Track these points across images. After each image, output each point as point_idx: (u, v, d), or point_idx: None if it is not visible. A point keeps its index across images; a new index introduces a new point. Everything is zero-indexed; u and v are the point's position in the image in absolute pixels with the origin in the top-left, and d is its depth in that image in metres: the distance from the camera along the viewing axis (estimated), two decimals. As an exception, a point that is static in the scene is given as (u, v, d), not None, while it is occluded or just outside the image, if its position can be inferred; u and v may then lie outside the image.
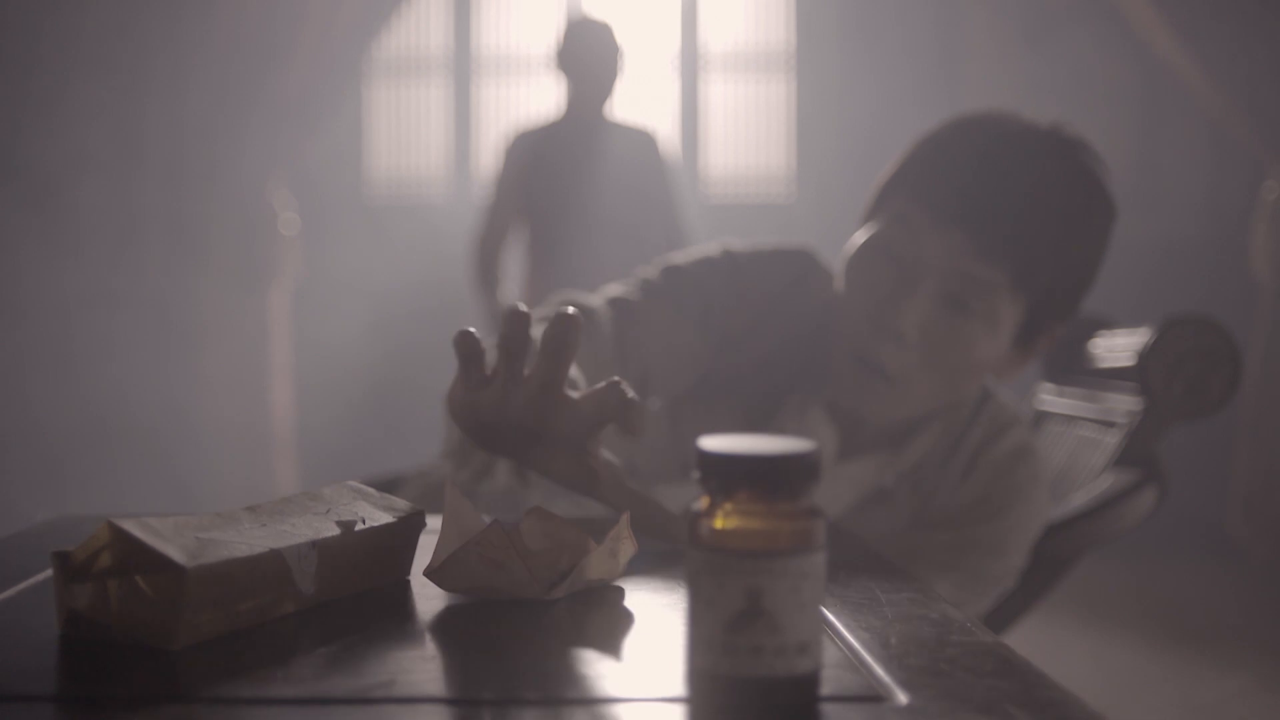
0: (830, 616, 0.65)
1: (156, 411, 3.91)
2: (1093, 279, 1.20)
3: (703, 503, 0.50)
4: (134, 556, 0.57)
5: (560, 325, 0.72)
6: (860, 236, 1.20)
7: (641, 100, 4.25)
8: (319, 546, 0.65)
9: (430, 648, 0.60)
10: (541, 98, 4.26)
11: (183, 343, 3.95)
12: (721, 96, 4.29)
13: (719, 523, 0.49)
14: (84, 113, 3.89)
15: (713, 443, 0.50)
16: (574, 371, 0.93)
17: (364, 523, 0.69)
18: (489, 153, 4.33)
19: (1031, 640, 1.61)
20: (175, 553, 0.57)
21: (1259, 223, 3.64)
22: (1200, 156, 3.99)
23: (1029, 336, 1.18)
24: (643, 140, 3.00)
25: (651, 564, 0.79)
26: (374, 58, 4.34)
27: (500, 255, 3.00)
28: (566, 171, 2.92)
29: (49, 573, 0.73)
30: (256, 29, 3.87)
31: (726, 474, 0.49)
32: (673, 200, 3.02)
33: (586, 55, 2.94)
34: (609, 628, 0.65)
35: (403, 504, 0.74)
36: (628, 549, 0.71)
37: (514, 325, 0.72)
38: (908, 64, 4.08)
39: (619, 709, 0.51)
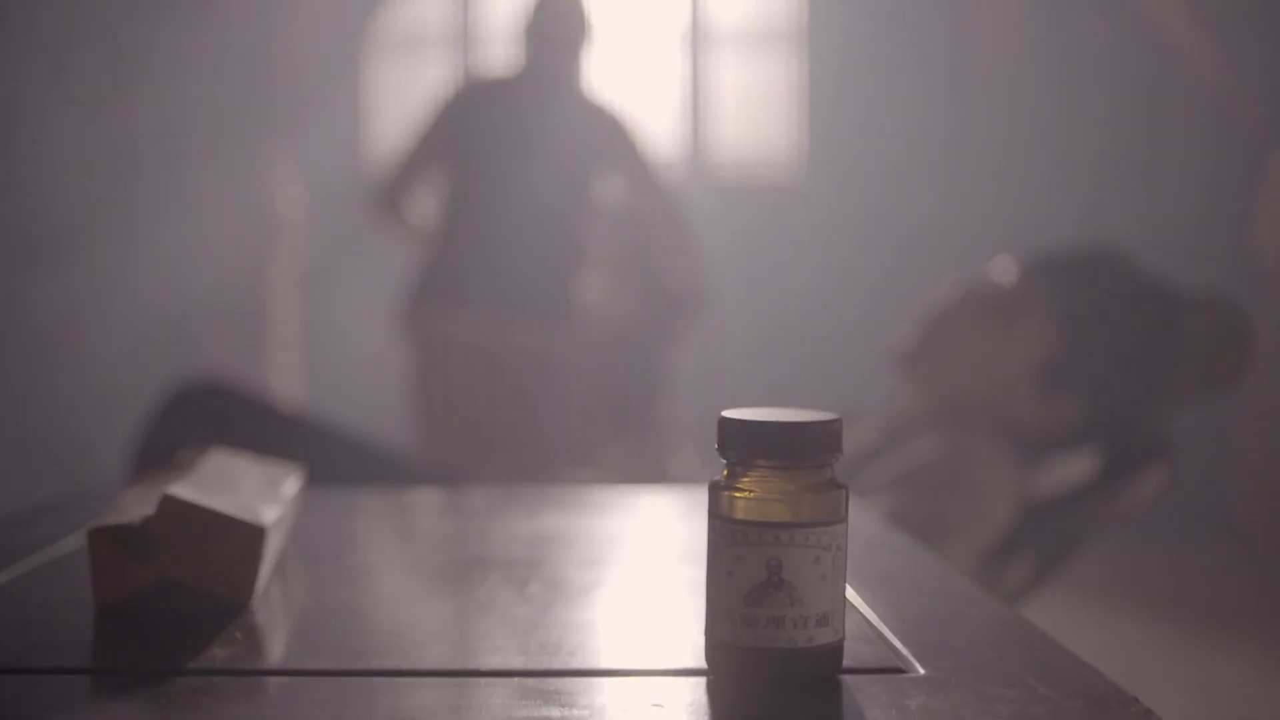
0: (847, 590, 0.64)
1: (148, 395, 3.90)
2: None
3: (723, 473, 0.50)
4: (205, 523, 0.59)
5: None
6: None
7: (647, 78, 4.23)
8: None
9: (444, 619, 0.60)
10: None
11: (179, 327, 3.93)
12: (732, 75, 4.27)
13: (739, 493, 0.49)
14: (77, 99, 3.87)
15: (733, 412, 0.50)
16: None
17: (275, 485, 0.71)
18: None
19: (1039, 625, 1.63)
20: (244, 515, 0.60)
21: (1263, 202, 3.62)
22: (1205, 136, 3.97)
23: None
24: (603, 121, 2.69)
25: (671, 534, 0.79)
26: (373, 35, 4.32)
27: (406, 202, 2.73)
28: (504, 132, 2.71)
29: (64, 547, 0.73)
30: (253, 7, 3.85)
31: (746, 443, 0.49)
32: (636, 191, 2.69)
33: (553, 23, 2.72)
34: (627, 600, 0.65)
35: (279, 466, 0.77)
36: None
37: None
38: (916, 43, 4.06)
39: (638, 681, 0.51)
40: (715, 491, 0.50)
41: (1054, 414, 1.36)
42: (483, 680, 0.50)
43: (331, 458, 1.34)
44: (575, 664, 0.53)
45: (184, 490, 0.60)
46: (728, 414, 0.50)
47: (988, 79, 3.98)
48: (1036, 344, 1.36)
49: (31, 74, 3.90)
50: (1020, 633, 0.57)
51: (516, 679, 0.50)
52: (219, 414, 1.35)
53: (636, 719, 0.46)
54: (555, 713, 0.46)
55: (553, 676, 0.51)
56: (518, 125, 2.66)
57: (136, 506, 0.61)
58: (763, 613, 0.48)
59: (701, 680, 0.50)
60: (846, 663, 0.51)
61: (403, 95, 4.43)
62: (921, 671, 0.51)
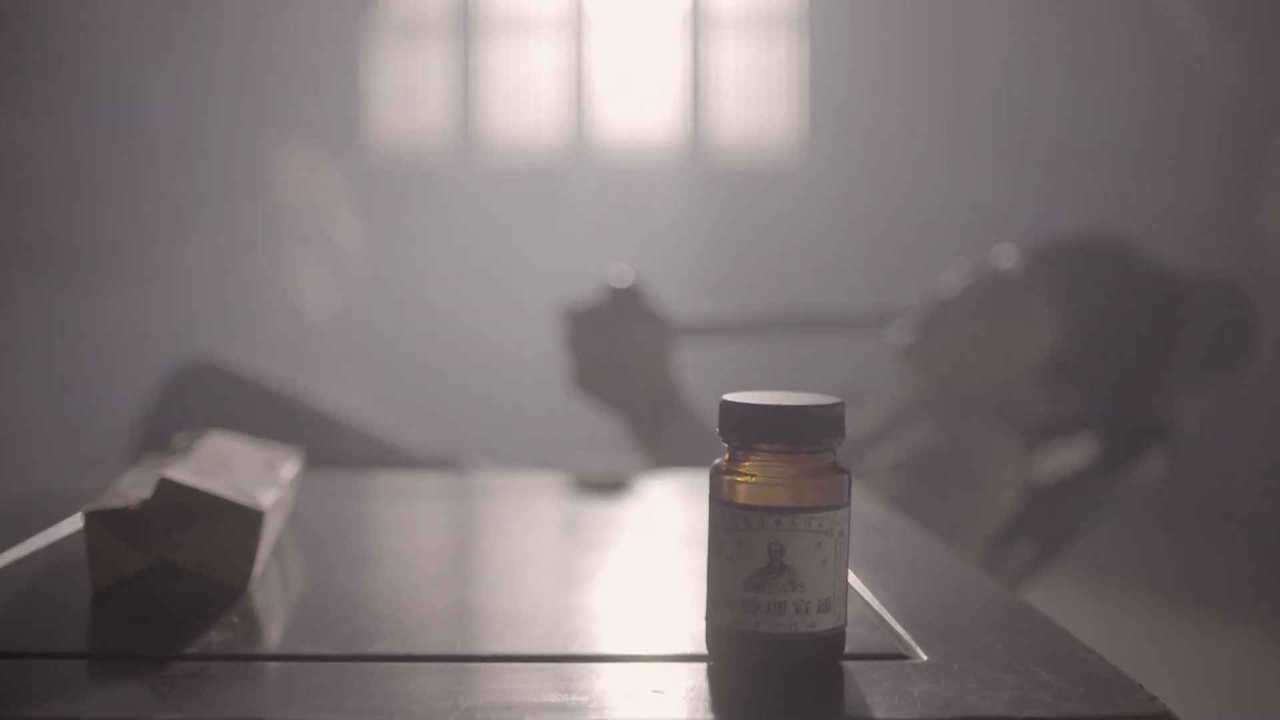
0: (849, 575, 0.64)
1: (149, 376, 3.88)
2: None
3: (725, 457, 0.50)
4: (201, 506, 0.58)
5: None
6: None
7: (648, 62, 4.21)
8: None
9: (442, 604, 0.60)
10: (548, 59, 4.22)
11: (172, 314, 3.92)
12: (732, 59, 4.25)
13: (740, 477, 0.48)
14: (75, 84, 3.85)
15: (735, 396, 0.50)
16: None
17: (274, 469, 0.71)
18: (494, 119, 4.30)
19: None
20: (241, 498, 0.59)
21: (1267, 186, 3.60)
22: (1210, 124, 3.96)
23: None
24: None
25: (671, 518, 0.79)
26: (373, 18, 4.30)
27: None
28: None
29: (60, 531, 0.73)
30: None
31: (748, 427, 0.48)
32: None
33: None
34: (627, 584, 0.65)
35: (275, 447, 0.76)
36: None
37: None
38: (919, 28, 4.04)
39: (638, 666, 0.51)
40: (716, 475, 0.49)
41: (1056, 403, 1.36)
42: (482, 665, 0.50)
43: (330, 441, 1.34)
44: (575, 649, 0.52)
45: (181, 473, 0.60)
46: (729, 398, 0.49)
47: (991, 64, 3.97)
48: (1039, 332, 1.36)
49: (30, 62, 3.89)
50: (1023, 618, 0.57)
51: (516, 664, 0.50)
52: (220, 395, 1.35)
53: (636, 704, 0.46)
54: (555, 698, 0.46)
55: (552, 662, 0.50)
56: None
57: (133, 490, 0.61)
58: (764, 598, 0.48)
59: (702, 666, 0.50)
60: (848, 648, 0.51)
61: (403, 80, 4.41)
62: (924, 657, 0.51)
